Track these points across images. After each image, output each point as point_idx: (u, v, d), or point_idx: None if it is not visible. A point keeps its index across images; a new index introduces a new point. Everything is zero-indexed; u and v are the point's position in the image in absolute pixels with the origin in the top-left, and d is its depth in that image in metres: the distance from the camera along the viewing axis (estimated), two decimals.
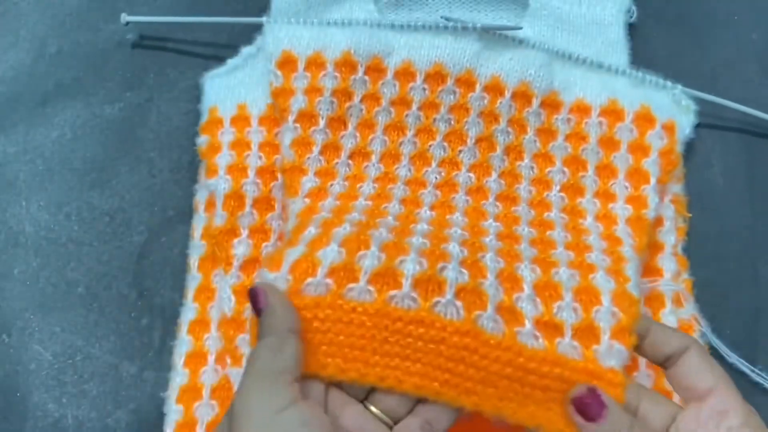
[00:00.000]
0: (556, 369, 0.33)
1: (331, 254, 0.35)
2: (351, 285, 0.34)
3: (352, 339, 0.33)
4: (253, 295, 0.33)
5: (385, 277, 0.34)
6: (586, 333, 0.34)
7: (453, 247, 0.37)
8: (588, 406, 0.32)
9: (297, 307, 0.33)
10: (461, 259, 0.36)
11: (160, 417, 0.42)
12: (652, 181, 0.45)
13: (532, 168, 0.46)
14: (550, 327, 0.34)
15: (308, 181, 0.44)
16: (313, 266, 0.34)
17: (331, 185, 0.44)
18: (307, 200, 0.43)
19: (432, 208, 0.43)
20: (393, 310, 0.33)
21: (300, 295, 0.34)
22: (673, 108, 0.47)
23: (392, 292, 0.33)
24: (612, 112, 0.46)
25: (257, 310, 0.33)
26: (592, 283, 0.36)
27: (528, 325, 0.34)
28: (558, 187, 0.45)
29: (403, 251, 0.35)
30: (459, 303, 0.34)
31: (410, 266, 0.34)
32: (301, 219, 0.40)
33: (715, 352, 0.44)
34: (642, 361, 0.42)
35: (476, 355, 0.33)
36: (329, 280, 0.34)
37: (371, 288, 0.33)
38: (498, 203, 0.44)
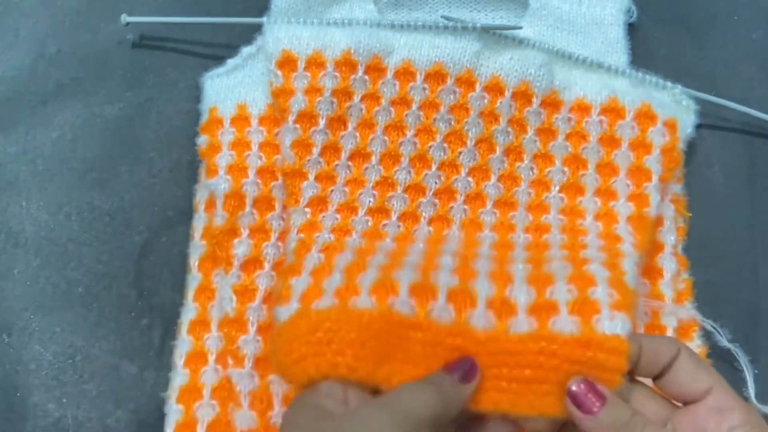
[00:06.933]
0: (542, 343, 0.33)
1: (334, 282, 0.36)
2: (354, 298, 0.35)
3: (362, 339, 0.33)
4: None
5: (384, 287, 0.35)
6: (584, 307, 0.34)
7: (445, 259, 0.38)
8: (584, 398, 0.32)
9: (307, 318, 0.35)
10: (453, 268, 0.37)
11: (160, 417, 0.42)
12: (654, 178, 0.44)
13: (531, 169, 0.46)
14: (543, 309, 0.34)
15: (309, 187, 0.44)
16: (319, 293, 0.36)
17: (332, 191, 0.45)
18: (308, 211, 0.44)
19: (430, 221, 0.44)
20: (396, 315, 0.34)
21: (310, 310, 0.35)
22: (675, 107, 0.47)
23: (392, 298, 0.35)
24: (612, 110, 0.46)
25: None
26: (587, 272, 0.36)
27: (521, 314, 0.35)
28: (557, 188, 0.45)
29: (399, 267, 0.37)
30: (450, 306, 0.35)
31: (405, 276, 0.36)
32: (304, 236, 0.42)
33: (714, 353, 0.44)
34: None
35: (468, 353, 0.34)
36: (334, 299, 0.35)
37: (372, 298, 0.35)
38: (495, 210, 0.45)
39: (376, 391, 0.34)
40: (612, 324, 0.33)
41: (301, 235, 0.43)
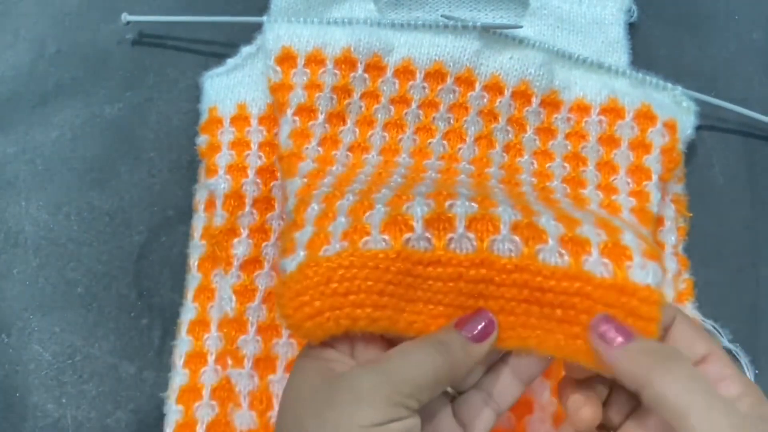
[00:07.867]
0: (577, 284, 0.31)
1: (340, 225, 0.33)
2: (365, 239, 0.32)
3: (381, 286, 0.32)
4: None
5: (396, 223, 0.32)
6: (616, 250, 0.32)
7: (460, 188, 0.36)
8: (613, 332, 0.30)
9: (317, 266, 0.32)
10: (469, 197, 0.34)
11: (159, 417, 0.42)
12: (654, 177, 0.44)
13: (532, 163, 0.45)
14: (576, 243, 0.32)
15: (306, 166, 0.42)
16: (326, 238, 0.33)
17: (330, 170, 0.43)
18: (306, 180, 0.41)
19: (437, 172, 0.43)
20: (412, 253, 0.32)
21: (318, 258, 0.32)
22: (674, 108, 0.47)
23: (407, 235, 0.32)
24: (612, 110, 0.46)
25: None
26: (611, 222, 0.34)
27: (551, 241, 0.32)
28: (559, 180, 0.45)
29: (408, 199, 0.34)
30: (471, 234, 0.32)
31: (418, 209, 0.33)
32: (301, 196, 0.39)
33: None
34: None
35: (492, 285, 0.32)
36: (344, 242, 0.32)
37: (385, 236, 0.32)
38: (501, 185, 0.43)
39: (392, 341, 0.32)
40: (644, 273, 0.31)
41: (299, 197, 0.39)
